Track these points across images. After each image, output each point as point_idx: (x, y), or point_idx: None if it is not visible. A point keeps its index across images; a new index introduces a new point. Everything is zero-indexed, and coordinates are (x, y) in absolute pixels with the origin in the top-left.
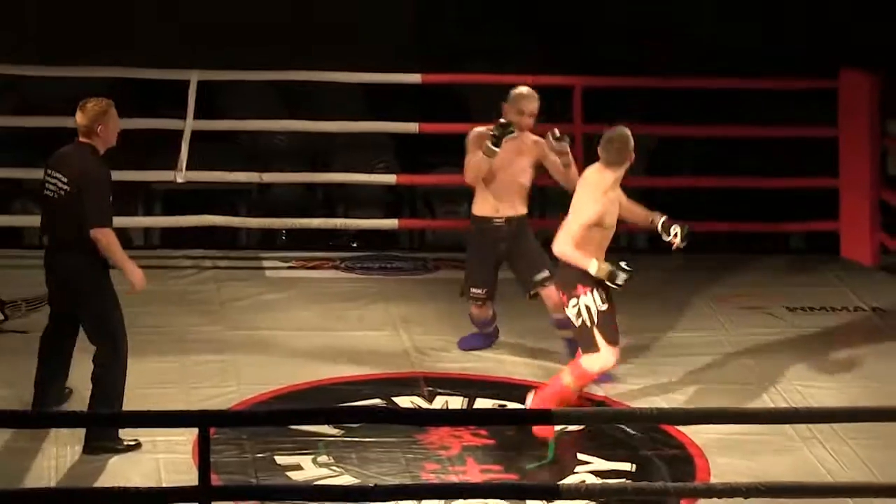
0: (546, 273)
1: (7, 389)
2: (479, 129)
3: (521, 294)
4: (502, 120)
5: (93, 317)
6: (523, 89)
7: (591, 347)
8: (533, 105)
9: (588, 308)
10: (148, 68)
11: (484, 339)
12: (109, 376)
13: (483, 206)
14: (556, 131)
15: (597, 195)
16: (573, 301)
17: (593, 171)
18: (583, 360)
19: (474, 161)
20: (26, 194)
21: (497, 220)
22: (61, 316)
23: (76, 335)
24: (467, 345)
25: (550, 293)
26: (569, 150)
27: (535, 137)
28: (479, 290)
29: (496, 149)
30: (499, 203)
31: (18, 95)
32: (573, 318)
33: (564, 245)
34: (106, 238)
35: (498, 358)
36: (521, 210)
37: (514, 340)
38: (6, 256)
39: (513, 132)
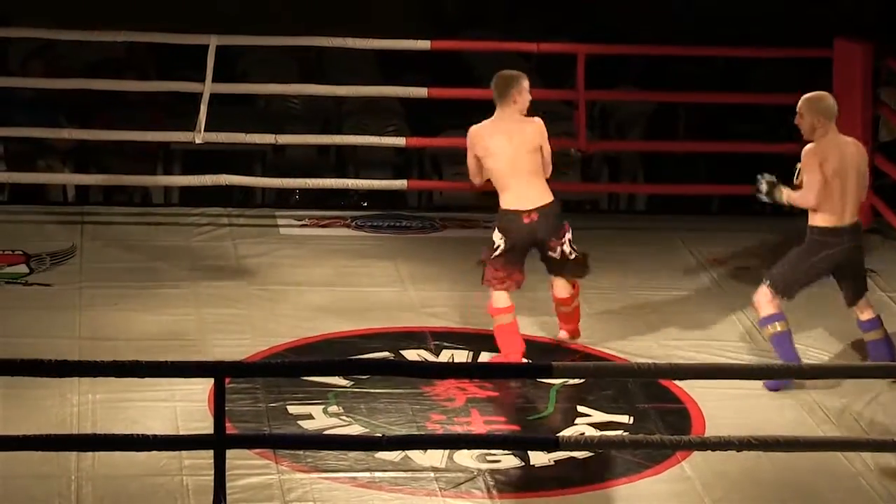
0: None
1: (32, 339)
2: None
3: None
4: None
5: None
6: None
7: None
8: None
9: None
10: (168, 33)
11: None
12: None
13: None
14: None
15: None
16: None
17: None
18: None
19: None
20: (50, 153)
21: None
22: None
23: None
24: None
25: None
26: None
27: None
28: None
29: None
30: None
31: (48, 58)
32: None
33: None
34: None
35: None
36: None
37: (522, 301)
38: (32, 213)
39: None
